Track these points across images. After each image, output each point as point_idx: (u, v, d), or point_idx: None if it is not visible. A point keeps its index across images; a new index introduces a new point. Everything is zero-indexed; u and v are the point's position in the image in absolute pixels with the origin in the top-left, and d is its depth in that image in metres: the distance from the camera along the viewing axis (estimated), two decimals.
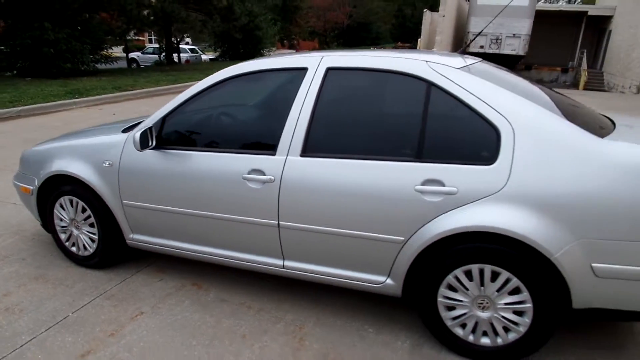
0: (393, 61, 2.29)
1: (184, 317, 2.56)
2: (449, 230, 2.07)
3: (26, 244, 3.42)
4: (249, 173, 2.40)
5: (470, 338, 2.21)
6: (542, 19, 20.45)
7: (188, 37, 32.48)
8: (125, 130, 2.88)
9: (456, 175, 2.07)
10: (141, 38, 39.22)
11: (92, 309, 2.62)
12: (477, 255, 2.07)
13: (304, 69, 2.42)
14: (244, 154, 2.45)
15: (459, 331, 2.23)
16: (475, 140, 2.09)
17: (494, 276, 2.08)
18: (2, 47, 13.96)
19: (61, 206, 3.01)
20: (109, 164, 2.77)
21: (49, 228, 3.16)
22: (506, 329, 2.14)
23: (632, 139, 2.11)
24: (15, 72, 14.08)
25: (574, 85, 21.08)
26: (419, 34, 21.93)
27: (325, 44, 42.67)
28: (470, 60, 2.51)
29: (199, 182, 2.52)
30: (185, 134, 2.66)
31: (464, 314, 2.19)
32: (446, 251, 2.14)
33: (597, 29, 22.64)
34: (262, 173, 2.38)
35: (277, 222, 2.40)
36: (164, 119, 2.65)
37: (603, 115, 2.63)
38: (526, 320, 2.08)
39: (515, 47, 17.65)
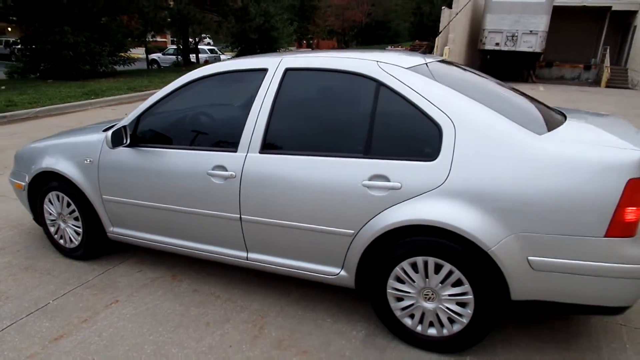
0: (346, 61, 2.38)
1: (155, 306, 2.70)
2: (393, 223, 2.15)
3: (22, 237, 3.64)
4: (213, 169, 2.53)
5: (419, 328, 2.29)
6: (565, 15, 20.01)
7: (209, 37, 32.98)
8: (106, 130, 3.05)
9: (400, 171, 2.15)
10: (164, 39, 40.03)
11: (71, 297, 2.80)
12: (421, 248, 2.14)
13: (265, 70, 2.53)
14: (209, 151, 2.58)
15: (407, 321, 2.31)
16: (419, 137, 2.17)
17: (438, 268, 2.15)
18: (26, 52, 14.55)
19: (50, 201, 3.20)
20: (89, 161, 2.94)
21: (40, 222, 3.36)
22: (451, 320, 2.21)
23: (569, 135, 2.15)
24: (37, 74, 14.65)
25: (596, 82, 20.56)
26: (437, 32, 21.77)
27: (344, 43, 42.70)
28: (427, 59, 2.57)
29: (169, 177, 2.67)
30: (157, 133, 2.81)
31: (412, 304, 2.27)
32: (393, 244, 2.22)
33: (622, 24, 21.99)
34: (225, 169, 2.50)
35: (239, 215, 2.52)
36: (138, 119, 2.81)
37: (559, 111, 2.66)
38: (468, 311, 2.14)
39: (532, 44, 17.33)
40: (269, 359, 2.25)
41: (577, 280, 1.97)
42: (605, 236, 1.90)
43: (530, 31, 17.25)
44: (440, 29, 20.35)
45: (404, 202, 2.13)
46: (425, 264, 2.17)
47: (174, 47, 27.80)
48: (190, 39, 22.54)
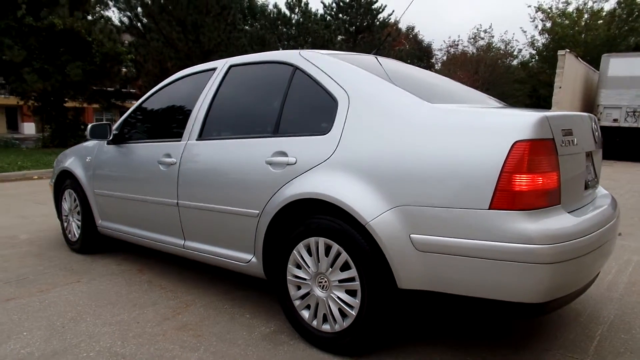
0: (276, 53, 2.48)
1: (106, 288, 2.84)
2: (284, 200, 2.06)
3: (56, 235, 4.14)
4: (162, 157, 2.72)
5: (314, 323, 2.06)
6: None
7: None
8: None
9: (297, 146, 2.10)
10: None
11: (47, 275, 3.08)
12: (313, 227, 2.00)
13: (214, 69, 2.74)
14: (163, 142, 2.79)
15: (305, 314, 2.09)
16: (319, 113, 2.12)
17: (328, 250, 1.97)
18: None
19: (65, 199, 3.67)
20: (89, 159, 3.35)
21: (60, 218, 3.83)
22: (342, 313, 1.95)
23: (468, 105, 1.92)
24: None
25: None
26: None
27: None
28: (380, 57, 2.56)
29: (133, 168, 2.93)
30: (135, 131, 3.13)
31: (308, 293, 2.07)
32: (289, 224, 2.11)
33: None
34: (170, 156, 2.67)
35: (176, 201, 2.62)
36: (124, 120, 3.18)
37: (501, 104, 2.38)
38: (357, 301, 1.89)
39: None
40: (161, 335, 2.20)
41: (467, 266, 1.65)
42: (490, 208, 1.60)
43: None
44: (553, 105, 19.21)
45: (297, 177, 2.05)
46: (317, 245, 2.00)
47: None
48: None
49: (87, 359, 1.99)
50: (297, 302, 2.12)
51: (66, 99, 14.53)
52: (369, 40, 22.97)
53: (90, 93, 14.49)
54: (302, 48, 19.75)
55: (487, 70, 34.45)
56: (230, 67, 2.65)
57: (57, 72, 12.79)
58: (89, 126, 3.06)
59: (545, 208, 1.63)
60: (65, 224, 3.71)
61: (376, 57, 2.53)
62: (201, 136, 2.57)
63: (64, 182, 3.66)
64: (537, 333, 2.22)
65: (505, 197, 1.58)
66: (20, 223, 4.71)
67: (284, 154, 2.13)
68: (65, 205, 3.65)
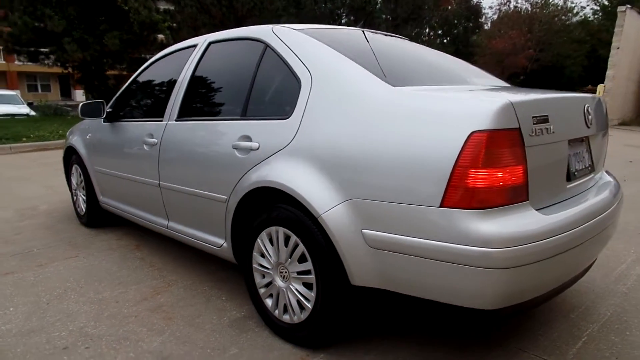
0: (251, 29, 2.35)
1: (99, 264, 2.92)
2: (246, 186, 1.99)
3: (70, 207, 4.31)
4: (146, 137, 2.70)
5: (276, 312, 2.02)
6: None
7: None
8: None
9: (260, 130, 2.00)
10: None
11: (51, 249, 3.20)
12: (274, 216, 1.93)
13: (195, 46, 2.65)
14: (148, 121, 2.77)
15: (268, 302, 2.06)
16: (283, 95, 2.00)
17: (287, 240, 1.90)
18: None
19: (72, 173, 3.77)
20: (89, 136, 3.40)
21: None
22: (300, 305, 1.89)
23: (439, 88, 1.73)
24: None
25: None
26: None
27: None
28: (367, 30, 2.38)
29: (123, 147, 2.93)
30: (126, 109, 3.12)
31: (270, 282, 2.02)
32: (254, 212, 2.05)
33: None
34: (152, 136, 2.65)
35: (158, 182, 2.61)
36: (117, 98, 3.17)
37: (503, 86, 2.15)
38: (312, 294, 1.82)
39: None
40: (134, 317, 2.23)
41: (418, 266, 1.53)
42: (441, 206, 1.46)
43: None
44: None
45: (260, 163, 1.96)
46: (277, 234, 1.93)
47: None
48: None
49: (58, 338, 2.06)
50: (261, 290, 2.08)
51: (105, 68, 14.94)
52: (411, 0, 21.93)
53: (128, 62, 14.81)
54: (340, 10, 19.13)
55: (541, 29, 32.23)
56: (210, 43, 2.55)
57: (95, 42, 13.11)
58: (80, 105, 3.08)
59: (507, 206, 1.47)
60: (75, 198, 3.83)
61: (363, 32, 2.35)
62: (180, 116, 2.52)
63: (71, 157, 3.76)
64: (519, 330, 2.07)
65: (459, 194, 1.43)
66: (44, 193, 4.94)
67: (248, 138, 2.04)
68: (74, 180, 3.76)
